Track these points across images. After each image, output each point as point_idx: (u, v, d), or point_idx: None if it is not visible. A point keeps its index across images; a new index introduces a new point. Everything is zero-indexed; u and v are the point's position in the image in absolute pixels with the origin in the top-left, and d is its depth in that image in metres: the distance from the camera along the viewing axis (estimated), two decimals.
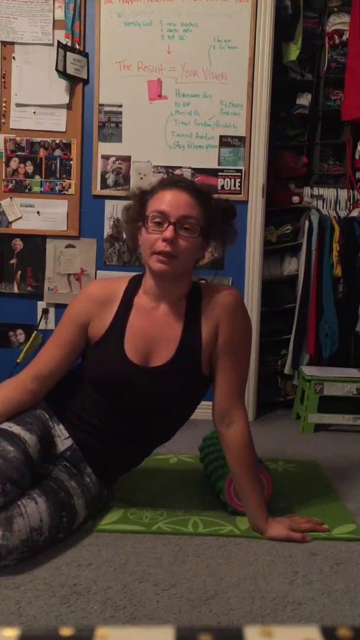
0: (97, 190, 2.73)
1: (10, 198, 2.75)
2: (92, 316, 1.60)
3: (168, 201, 1.51)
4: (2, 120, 2.72)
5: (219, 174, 2.69)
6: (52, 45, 2.66)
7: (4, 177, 2.75)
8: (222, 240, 1.62)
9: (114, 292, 1.62)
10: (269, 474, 1.73)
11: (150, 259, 1.52)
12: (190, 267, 1.60)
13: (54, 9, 2.66)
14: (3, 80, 2.70)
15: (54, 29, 2.66)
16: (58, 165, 2.73)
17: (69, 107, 2.70)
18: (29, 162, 2.74)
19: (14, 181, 2.75)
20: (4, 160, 2.74)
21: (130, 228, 1.61)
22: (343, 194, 3.06)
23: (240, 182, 2.69)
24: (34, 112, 2.71)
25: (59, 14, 2.66)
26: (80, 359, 1.67)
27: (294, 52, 2.91)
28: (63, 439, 1.60)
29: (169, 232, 1.48)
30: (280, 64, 2.89)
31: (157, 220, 1.51)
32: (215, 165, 2.69)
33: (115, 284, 1.65)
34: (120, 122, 2.69)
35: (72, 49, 2.65)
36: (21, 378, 1.58)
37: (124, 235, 1.66)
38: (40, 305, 2.80)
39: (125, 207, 1.63)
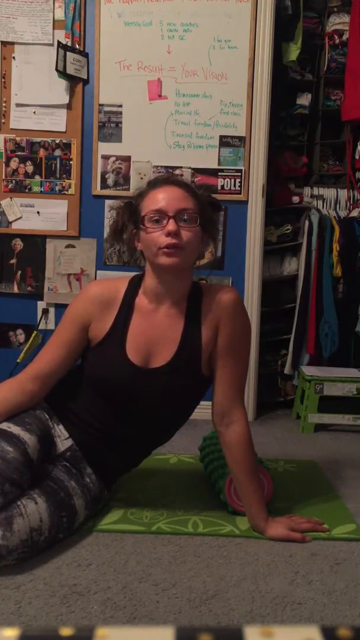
0: (97, 190, 2.73)
1: (10, 198, 2.75)
2: (92, 317, 1.60)
3: (162, 198, 1.52)
4: (2, 120, 2.72)
5: (219, 174, 2.69)
6: (52, 45, 2.65)
7: (4, 177, 2.75)
8: (213, 234, 1.64)
9: (114, 293, 1.62)
10: (269, 474, 1.73)
11: (157, 256, 1.52)
12: (193, 260, 1.60)
13: (54, 9, 2.66)
14: (3, 80, 2.69)
15: (54, 29, 2.66)
16: (58, 165, 2.73)
17: (69, 107, 2.70)
18: (29, 162, 2.74)
19: (14, 181, 2.74)
20: (4, 160, 2.74)
21: (126, 238, 1.62)
22: (343, 194, 3.06)
23: (240, 182, 2.69)
24: (34, 112, 2.71)
25: (59, 14, 2.66)
26: (80, 359, 1.67)
27: (294, 52, 2.90)
28: (63, 439, 1.60)
29: (171, 226, 1.49)
30: (280, 64, 2.89)
31: (155, 218, 1.51)
32: (215, 165, 2.69)
33: (115, 285, 1.65)
34: (120, 122, 2.69)
35: (72, 49, 2.65)
36: (20, 379, 1.58)
37: (109, 234, 1.66)
38: (40, 305, 2.80)
39: (113, 224, 1.63)
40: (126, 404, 1.60)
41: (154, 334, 1.58)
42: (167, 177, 1.66)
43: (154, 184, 1.58)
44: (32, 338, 2.76)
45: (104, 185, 2.73)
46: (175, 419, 1.71)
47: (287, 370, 2.96)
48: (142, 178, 2.67)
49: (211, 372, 1.62)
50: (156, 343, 1.58)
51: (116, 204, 1.64)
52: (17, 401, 1.55)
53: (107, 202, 2.72)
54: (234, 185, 2.69)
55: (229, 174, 2.69)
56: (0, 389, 1.57)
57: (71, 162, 2.73)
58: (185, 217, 1.51)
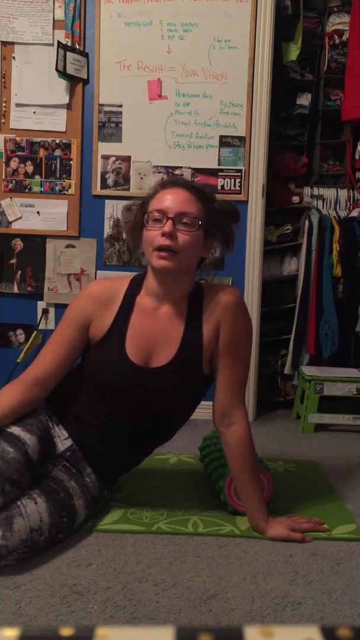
0: (97, 190, 2.73)
1: (10, 198, 2.75)
2: (93, 316, 1.60)
3: (166, 199, 1.53)
4: (2, 120, 2.72)
5: (219, 174, 2.69)
6: (52, 45, 2.66)
7: (4, 177, 2.75)
8: (226, 243, 1.63)
9: (115, 291, 1.62)
10: (269, 474, 1.73)
11: (152, 257, 1.52)
12: (192, 264, 1.60)
13: (54, 9, 2.66)
14: (3, 80, 2.69)
15: (54, 29, 2.66)
16: (58, 165, 2.73)
17: (69, 107, 2.70)
18: (29, 162, 2.74)
19: (14, 181, 2.74)
20: (4, 160, 2.74)
21: (135, 236, 1.62)
22: (343, 194, 3.06)
23: (240, 182, 2.69)
24: (34, 112, 2.71)
25: (59, 14, 2.66)
26: (80, 358, 1.67)
27: (294, 52, 2.90)
28: (63, 439, 1.60)
29: (167, 227, 1.49)
30: (280, 64, 2.89)
31: (157, 218, 1.52)
32: (215, 165, 2.69)
33: (116, 284, 1.65)
34: (120, 122, 2.69)
35: (72, 49, 2.65)
36: (23, 380, 1.58)
37: (124, 235, 1.67)
38: (40, 305, 2.80)
39: (126, 219, 1.64)
40: (126, 404, 1.59)
41: (155, 333, 1.58)
42: (176, 179, 1.67)
43: (163, 185, 1.60)
44: (32, 338, 2.76)
45: (104, 185, 2.73)
46: (176, 418, 1.71)
47: (287, 370, 2.96)
48: (142, 178, 2.68)
49: (212, 371, 1.62)
50: (157, 342, 1.58)
51: (133, 204, 1.65)
52: (23, 403, 1.54)
53: (107, 202, 2.72)
54: (234, 185, 2.69)
55: (229, 174, 2.69)
56: (7, 392, 1.56)
57: (71, 162, 2.73)
58: (185, 221, 1.52)
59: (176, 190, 1.55)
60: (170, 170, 2.68)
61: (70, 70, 2.64)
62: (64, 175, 2.73)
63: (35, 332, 2.78)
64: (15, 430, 1.49)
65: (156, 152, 2.69)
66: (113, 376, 1.57)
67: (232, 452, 1.59)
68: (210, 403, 1.63)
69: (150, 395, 1.58)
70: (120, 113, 2.69)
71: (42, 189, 2.74)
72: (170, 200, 1.52)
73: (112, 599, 1.26)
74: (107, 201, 2.72)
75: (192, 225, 1.52)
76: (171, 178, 1.70)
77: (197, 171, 2.69)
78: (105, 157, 2.72)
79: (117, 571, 1.37)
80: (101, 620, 1.19)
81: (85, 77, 2.69)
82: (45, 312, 2.79)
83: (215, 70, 2.64)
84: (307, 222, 2.92)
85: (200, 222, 1.53)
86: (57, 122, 2.71)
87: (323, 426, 2.67)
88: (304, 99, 3.10)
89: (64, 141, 2.72)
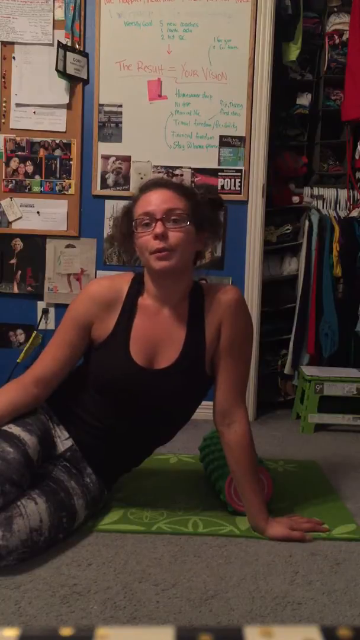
0: (97, 190, 2.73)
1: (10, 198, 2.75)
2: (95, 318, 1.59)
3: (150, 201, 1.52)
4: (2, 120, 2.72)
5: (219, 174, 2.69)
6: (52, 45, 2.65)
7: (4, 177, 2.75)
8: (215, 231, 1.63)
9: (117, 293, 1.62)
10: (269, 474, 1.73)
11: (150, 260, 1.52)
12: (189, 260, 1.59)
13: (54, 9, 2.66)
14: (3, 80, 2.69)
15: (54, 29, 2.66)
16: (58, 165, 2.73)
17: (69, 107, 2.70)
18: (29, 162, 2.74)
19: (14, 181, 2.74)
20: (4, 160, 2.74)
21: (127, 245, 1.62)
22: (343, 194, 3.06)
23: (240, 182, 2.69)
24: (34, 112, 2.71)
25: (59, 14, 2.66)
26: (81, 359, 1.66)
27: (294, 52, 2.91)
28: (63, 439, 1.60)
29: (158, 228, 1.49)
30: (280, 64, 2.89)
31: (145, 222, 1.51)
32: (215, 165, 2.69)
33: (118, 284, 1.64)
34: (120, 122, 2.69)
35: (72, 49, 2.65)
36: (23, 380, 1.58)
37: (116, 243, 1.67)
38: (40, 305, 2.80)
39: (116, 233, 1.64)
40: (128, 404, 1.59)
41: (158, 335, 1.58)
42: (156, 180, 1.66)
43: (144, 188, 1.59)
44: (32, 338, 2.76)
45: (104, 185, 2.73)
46: (178, 418, 1.71)
47: (287, 370, 2.96)
48: (142, 178, 2.67)
49: (213, 371, 1.62)
50: (160, 344, 1.58)
51: (118, 213, 1.65)
52: (22, 403, 1.54)
53: (107, 202, 2.72)
54: (234, 185, 2.69)
55: (229, 174, 2.69)
56: (5, 392, 1.56)
57: (71, 162, 2.73)
58: (174, 218, 1.51)
59: (157, 191, 1.54)
60: (171, 171, 2.68)
61: (70, 70, 2.64)
62: (64, 175, 2.73)
63: (35, 332, 2.78)
64: (15, 430, 1.49)
65: (156, 152, 2.69)
66: (118, 377, 1.57)
67: (232, 452, 1.59)
68: (211, 403, 1.63)
69: (154, 396, 1.58)
70: (120, 113, 2.69)
71: (42, 189, 2.74)
72: (155, 201, 1.51)
73: (112, 599, 1.26)
74: (107, 201, 2.72)
75: (182, 221, 1.52)
76: (149, 180, 1.69)
77: (197, 171, 2.69)
78: (105, 157, 2.72)
79: (117, 571, 1.38)
80: (101, 620, 1.19)
81: (85, 77, 2.69)
82: (45, 312, 2.79)
83: (215, 70, 2.64)
84: (307, 222, 2.92)
85: (188, 217, 1.52)
86: (57, 122, 2.71)
87: (323, 426, 2.67)
88: (304, 99, 3.10)
89: (64, 141, 2.72)
